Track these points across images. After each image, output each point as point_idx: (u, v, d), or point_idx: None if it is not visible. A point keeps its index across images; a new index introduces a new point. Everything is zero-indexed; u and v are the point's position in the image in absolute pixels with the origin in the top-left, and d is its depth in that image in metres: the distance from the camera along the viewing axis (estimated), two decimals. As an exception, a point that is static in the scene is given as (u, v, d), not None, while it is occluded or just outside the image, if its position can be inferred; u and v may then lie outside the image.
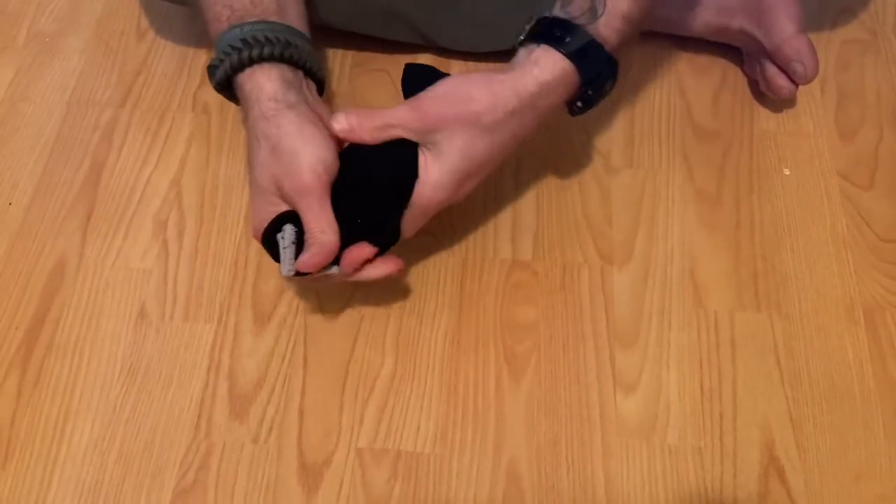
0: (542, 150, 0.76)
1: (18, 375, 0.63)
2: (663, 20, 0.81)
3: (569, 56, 0.57)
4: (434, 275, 0.69)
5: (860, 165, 0.76)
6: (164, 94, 0.79)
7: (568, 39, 0.57)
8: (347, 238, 0.57)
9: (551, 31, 0.58)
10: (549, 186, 0.74)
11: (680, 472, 0.60)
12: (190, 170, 0.74)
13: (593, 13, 0.58)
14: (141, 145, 0.76)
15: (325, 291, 0.67)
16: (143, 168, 0.74)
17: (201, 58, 0.82)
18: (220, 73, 0.59)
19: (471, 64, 0.81)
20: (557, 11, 0.59)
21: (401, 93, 0.62)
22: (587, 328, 0.66)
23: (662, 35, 0.83)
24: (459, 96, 0.57)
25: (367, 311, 0.67)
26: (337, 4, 0.75)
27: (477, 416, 0.62)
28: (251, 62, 0.58)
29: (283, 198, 0.57)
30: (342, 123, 0.58)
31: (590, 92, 0.60)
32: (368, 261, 0.58)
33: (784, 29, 0.74)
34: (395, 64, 0.80)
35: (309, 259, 0.56)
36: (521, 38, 0.60)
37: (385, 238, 0.59)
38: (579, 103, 0.61)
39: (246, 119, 0.59)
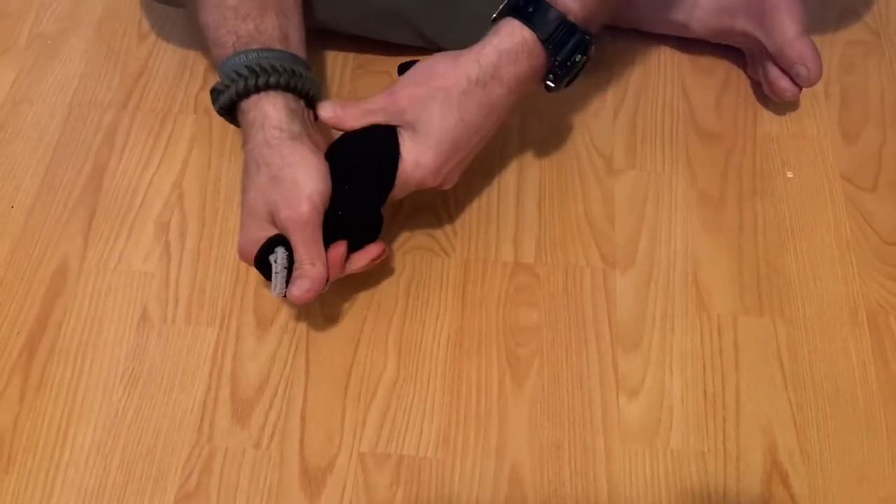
0: (545, 152, 0.75)
1: (21, 380, 0.63)
2: (666, 22, 0.80)
3: (529, 25, 0.59)
4: (436, 278, 0.69)
5: (864, 168, 0.75)
6: (165, 96, 0.79)
7: (530, 10, 0.59)
8: (331, 231, 0.59)
9: (517, 4, 0.60)
10: (551, 189, 0.74)
11: (683, 476, 0.60)
12: (192, 172, 0.74)
13: None
14: (143, 147, 0.76)
15: (327, 295, 0.67)
16: (144, 170, 0.74)
17: (203, 60, 0.82)
18: (224, 98, 0.60)
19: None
20: None
21: None
22: (590, 331, 0.66)
23: (665, 37, 0.82)
24: (427, 74, 0.61)
25: (370, 314, 0.67)
26: (338, 7, 0.75)
27: (479, 419, 0.62)
28: (257, 90, 0.59)
29: (276, 224, 0.58)
30: (328, 112, 0.62)
31: (557, 62, 0.61)
32: (349, 254, 0.60)
33: (787, 31, 0.74)
34: (397, 66, 0.80)
35: (301, 295, 0.58)
36: (494, 16, 0.62)
37: (366, 226, 0.61)
38: (550, 76, 0.62)
39: (245, 143, 0.60)
